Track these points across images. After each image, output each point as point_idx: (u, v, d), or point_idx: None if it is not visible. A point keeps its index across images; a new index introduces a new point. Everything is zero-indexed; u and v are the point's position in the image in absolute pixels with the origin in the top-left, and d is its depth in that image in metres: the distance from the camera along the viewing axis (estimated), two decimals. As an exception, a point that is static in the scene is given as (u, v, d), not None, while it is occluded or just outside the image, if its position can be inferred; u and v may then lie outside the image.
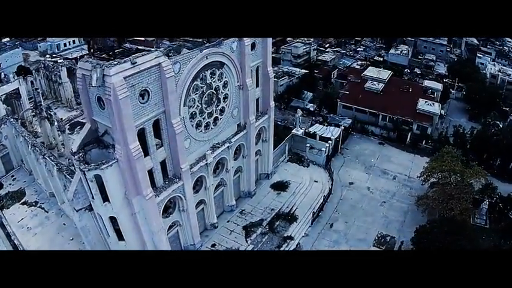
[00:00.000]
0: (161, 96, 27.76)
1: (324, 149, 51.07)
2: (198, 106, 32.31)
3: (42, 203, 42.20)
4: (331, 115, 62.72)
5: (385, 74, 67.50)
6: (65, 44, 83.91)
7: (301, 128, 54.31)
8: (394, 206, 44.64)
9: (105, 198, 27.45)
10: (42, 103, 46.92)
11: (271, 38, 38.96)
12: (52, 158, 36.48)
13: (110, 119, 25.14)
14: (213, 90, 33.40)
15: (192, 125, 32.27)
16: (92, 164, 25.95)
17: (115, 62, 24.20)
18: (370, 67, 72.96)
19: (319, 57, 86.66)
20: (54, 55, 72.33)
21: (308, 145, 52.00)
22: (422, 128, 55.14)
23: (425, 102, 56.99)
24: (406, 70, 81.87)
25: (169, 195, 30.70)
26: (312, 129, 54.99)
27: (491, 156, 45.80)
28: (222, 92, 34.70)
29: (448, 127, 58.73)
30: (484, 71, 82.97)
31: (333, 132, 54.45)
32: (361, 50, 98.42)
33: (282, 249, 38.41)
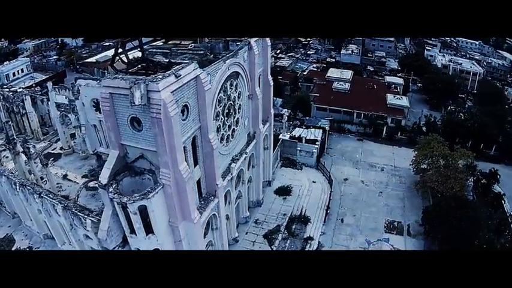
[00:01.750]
0: (197, 111, 25.82)
1: (315, 151, 51.98)
2: (221, 119, 30.79)
3: (38, 247, 36.59)
4: (307, 118, 63.99)
5: (348, 74, 70.66)
6: (13, 74, 74.78)
7: (287, 133, 54.72)
8: (391, 195, 46.62)
9: (149, 230, 24.83)
10: (15, 137, 41.36)
11: (270, 47, 38.74)
12: (51, 196, 32.03)
13: (155, 140, 22.49)
14: (231, 102, 32.15)
15: (218, 139, 30.65)
16: (136, 195, 23.05)
17: (160, 76, 22.04)
18: (331, 68, 75.73)
19: (277, 63, 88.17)
20: (4, 86, 64.17)
21: (299, 148, 52.47)
22: (396, 121, 58.69)
23: (394, 96, 60.80)
24: (358, 68, 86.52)
25: (208, 215, 28.65)
26: (295, 133, 55.64)
27: (463, 139, 50.05)
28: (237, 103, 33.54)
29: (420, 117, 62.09)
30: (435, 63, 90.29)
31: (316, 134, 55.67)
32: (313, 53, 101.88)
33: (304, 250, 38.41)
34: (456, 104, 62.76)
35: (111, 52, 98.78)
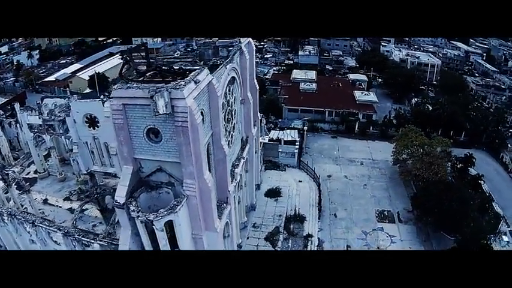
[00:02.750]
0: (209, 118, 25.23)
1: (296, 151, 52.86)
2: (224, 124, 30.25)
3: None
4: (280, 120, 64.95)
5: (312, 74, 72.70)
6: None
7: (265, 136, 55.05)
8: (375, 186, 48.57)
9: (173, 245, 23.59)
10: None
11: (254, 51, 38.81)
12: (47, 223, 29.19)
13: (179, 150, 21.24)
14: (230, 107, 31.72)
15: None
16: (162, 210, 21.72)
17: (182, 83, 21.14)
18: (294, 70, 77.42)
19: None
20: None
21: (280, 150, 53.02)
22: (367, 116, 61.42)
23: (362, 93, 63.62)
24: (319, 68, 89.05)
25: (224, 222, 27.80)
26: (273, 136, 56.21)
27: (434, 128, 53.58)
28: (233, 108, 33.17)
29: (390, 111, 65.01)
30: (392, 57, 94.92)
31: (292, 135, 56.71)
32: (270, 56, 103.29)
33: (308, 248, 38.65)
34: (422, 96, 66.76)
35: (69, 69, 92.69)
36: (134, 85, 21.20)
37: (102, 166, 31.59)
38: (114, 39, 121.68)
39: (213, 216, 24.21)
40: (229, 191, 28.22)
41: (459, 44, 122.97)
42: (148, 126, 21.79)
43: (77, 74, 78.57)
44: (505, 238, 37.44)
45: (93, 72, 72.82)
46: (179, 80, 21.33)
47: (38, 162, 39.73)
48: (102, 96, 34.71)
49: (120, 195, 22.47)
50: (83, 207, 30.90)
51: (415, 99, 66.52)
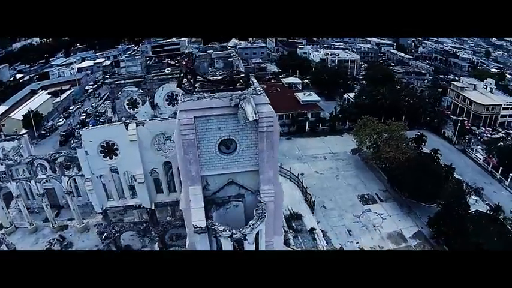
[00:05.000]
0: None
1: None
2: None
3: None
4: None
5: (251, 83, 74.66)
6: None
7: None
8: (346, 175, 52.18)
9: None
10: None
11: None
12: None
13: (260, 157, 20.33)
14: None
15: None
16: (252, 222, 20.22)
17: (258, 89, 20.30)
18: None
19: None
20: None
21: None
22: (316, 115, 65.47)
23: (304, 94, 67.52)
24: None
25: (276, 227, 27.09)
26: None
27: (377, 116, 58.90)
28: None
29: (336, 107, 69.73)
30: (312, 58, 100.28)
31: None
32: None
33: (316, 240, 39.73)
34: (360, 89, 73.53)
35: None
36: (208, 95, 19.75)
37: (120, 200, 27.43)
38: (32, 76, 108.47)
39: (281, 220, 23.77)
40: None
41: (369, 38, 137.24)
42: (223, 138, 20.38)
43: (10, 115, 69.44)
44: (473, 197, 44.63)
45: (27, 111, 65.60)
46: (241, 88, 20.68)
47: (2, 216, 32.35)
48: (123, 118, 30.41)
49: (200, 219, 20.26)
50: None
51: (347, 94, 73.54)
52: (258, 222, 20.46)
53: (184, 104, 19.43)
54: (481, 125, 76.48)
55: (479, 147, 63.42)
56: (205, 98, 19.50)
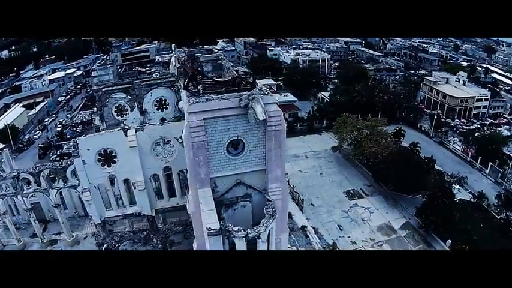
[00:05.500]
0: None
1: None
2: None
3: None
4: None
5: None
6: None
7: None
8: (329, 173, 53.50)
9: (262, 255, 22.26)
10: None
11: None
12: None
13: (268, 156, 20.77)
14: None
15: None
16: (265, 220, 20.42)
17: (268, 90, 20.59)
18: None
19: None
20: None
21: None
22: (293, 115, 66.37)
23: (280, 95, 68.37)
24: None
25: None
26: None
27: (354, 113, 59.41)
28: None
29: (313, 106, 71.07)
30: (282, 59, 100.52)
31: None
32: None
33: (309, 237, 40.40)
34: (335, 88, 74.94)
35: None
36: (217, 96, 19.85)
37: (119, 208, 26.57)
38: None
39: (286, 218, 24.19)
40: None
41: (357, 37, 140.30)
42: (231, 139, 20.57)
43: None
44: (457, 186, 47.03)
45: (3, 126, 63.38)
46: (247, 89, 20.98)
47: (-13, 234, 30.51)
48: (122, 125, 29.41)
49: (213, 221, 20.16)
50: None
51: (321, 93, 75.04)
52: (271, 220, 20.70)
53: (194, 106, 19.36)
54: (456, 117, 79.78)
55: (456, 138, 67.03)
56: (213, 99, 19.55)
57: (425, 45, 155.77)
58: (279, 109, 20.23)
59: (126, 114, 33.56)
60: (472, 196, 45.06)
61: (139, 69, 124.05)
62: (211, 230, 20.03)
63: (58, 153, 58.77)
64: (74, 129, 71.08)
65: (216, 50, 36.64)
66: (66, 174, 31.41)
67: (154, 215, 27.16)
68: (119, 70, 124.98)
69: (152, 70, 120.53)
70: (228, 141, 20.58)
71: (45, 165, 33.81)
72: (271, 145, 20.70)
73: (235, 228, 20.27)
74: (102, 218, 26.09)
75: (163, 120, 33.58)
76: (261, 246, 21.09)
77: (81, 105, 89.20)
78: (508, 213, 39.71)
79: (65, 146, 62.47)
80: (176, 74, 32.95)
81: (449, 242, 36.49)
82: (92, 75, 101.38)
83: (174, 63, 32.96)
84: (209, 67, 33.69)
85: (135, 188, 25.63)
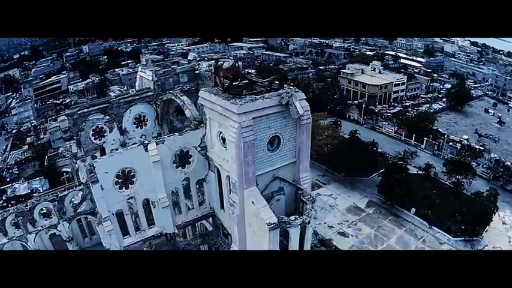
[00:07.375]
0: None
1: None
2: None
3: None
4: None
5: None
6: None
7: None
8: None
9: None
10: None
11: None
12: None
13: (300, 148, 22.70)
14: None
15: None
16: (310, 208, 22.31)
17: (291, 89, 22.28)
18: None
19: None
20: None
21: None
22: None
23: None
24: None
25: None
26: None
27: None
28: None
29: None
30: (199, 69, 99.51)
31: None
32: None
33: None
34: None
35: None
36: (259, 96, 21.11)
37: (138, 233, 24.35)
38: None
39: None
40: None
41: (239, 44, 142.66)
42: (272, 135, 21.95)
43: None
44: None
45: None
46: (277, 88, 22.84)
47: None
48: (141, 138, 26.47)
49: (270, 215, 21.29)
50: None
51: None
52: (314, 204, 22.66)
53: (240, 107, 20.22)
54: (377, 103, 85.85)
55: (385, 122, 74.84)
56: (258, 99, 20.80)
57: (327, 41, 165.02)
58: (307, 104, 22.30)
59: (104, 136, 31.38)
60: (418, 169, 52.78)
61: (54, 101, 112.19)
62: (272, 224, 21.06)
63: (4, 198, 50.74)
64: (11, 171, 62.20)
65: (189, 60, 36.85)
66: (34, 216, 28.14)
67: (176, 231, 26.20)
68: (35, 105, 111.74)
69: (67, 101, 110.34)
70: (269, 138, 21.86)
71: (8, 210, 29.53)
72: (303, 138, 22.58)
73: (292, 217, 21.67)
74: (122, 247, 24.11)
75: (142, 137, 32.45)
76: (309, 231, 22.86)
77: (9, 146, 77.70)
78: (457, 177, 47.53)
79: (9, 190, 55.73)
80: (153, 88, 32.44)
81: (413, 210, 42.81)
82: (12, 113, 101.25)
83: (151, 78, 32.23)
84: (185, 78, 33.94)
85: (154, 207, 24.47)
